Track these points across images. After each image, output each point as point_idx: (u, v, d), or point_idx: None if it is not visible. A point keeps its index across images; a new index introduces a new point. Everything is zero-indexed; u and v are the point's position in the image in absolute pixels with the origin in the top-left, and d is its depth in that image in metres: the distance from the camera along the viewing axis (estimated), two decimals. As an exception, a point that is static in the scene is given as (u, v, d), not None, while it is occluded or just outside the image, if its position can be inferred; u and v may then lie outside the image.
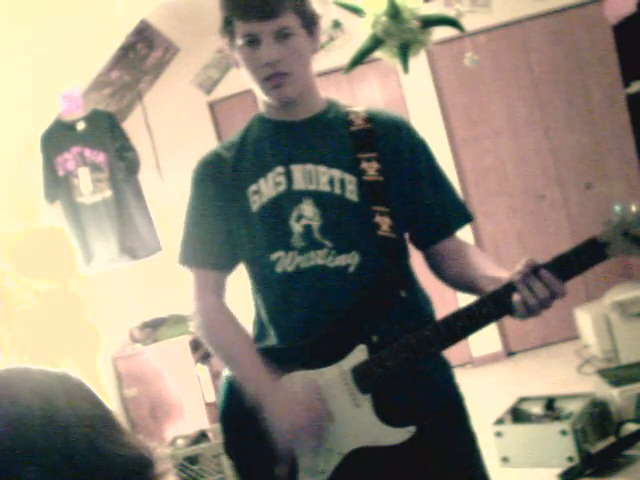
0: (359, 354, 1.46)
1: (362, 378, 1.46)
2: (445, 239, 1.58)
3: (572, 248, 1.35)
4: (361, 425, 1.46)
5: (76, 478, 0.71)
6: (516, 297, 1.36)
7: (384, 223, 1.49)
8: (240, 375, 1.54)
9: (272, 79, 1.48)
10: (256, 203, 1.53)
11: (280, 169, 1.53)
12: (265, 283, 1.56)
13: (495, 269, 1.47)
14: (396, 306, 1.49)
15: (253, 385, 1.50)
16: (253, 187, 1.54)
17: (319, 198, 1.51)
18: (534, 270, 1.34)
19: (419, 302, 1.56)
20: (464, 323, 1.40)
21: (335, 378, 1.47)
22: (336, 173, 1.51)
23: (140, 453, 0.78)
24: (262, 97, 1.55)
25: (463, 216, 1.62)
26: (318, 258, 1.49)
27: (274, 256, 1.52)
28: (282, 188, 1.52)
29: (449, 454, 1.52)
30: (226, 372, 1.64)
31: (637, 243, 1.31)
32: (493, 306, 1.39)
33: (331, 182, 1.51)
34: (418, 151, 1.57)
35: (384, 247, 1.49)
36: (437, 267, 1.59)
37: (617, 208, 1.32)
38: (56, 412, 0.74)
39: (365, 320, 1.47)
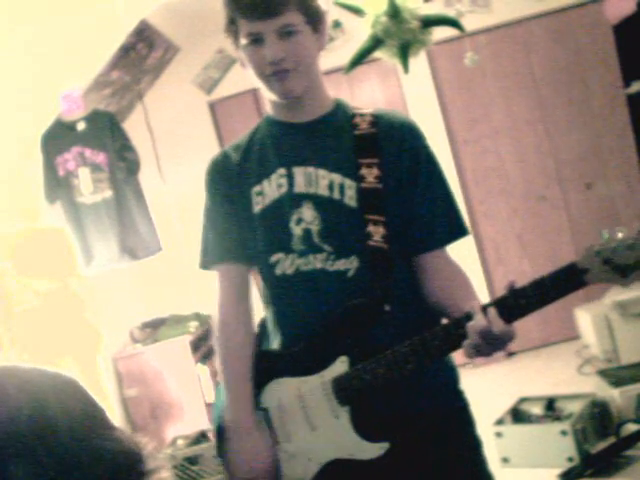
0: (340, 365, 1.45)
1: (341, 390, 1.45)
2: (427, 253, 1.52)
3: (550, 273, 1.30)
4: (339, 437, 1.46)
5: (63, 473, 0.72)
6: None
7: (377, 233, 1.47)
8: (227, 395, 1.55)
9: (276, 74, 1.46)
10: (259, 204, 1.53)
11: (282, 171, 1.52)
12: (265, 284, 1.56)
13: (467, 301, 1.41)
14: (380, 320, 1.46)
15: (232, 414, 1.53)
16: (257, 188, 1.54)
17: (318, 202, 1.49)
18: (500, 302, 1.32)
19: (409, 317, 1.50)
20: (440, 342, 1.38)
21: (316, 387, 1.47)
22: (336, 178, 1.49)
23: (129, 448, 0.78)
24: (268, 96, 1.53)
25: (453, 231, 1.54)
26: (317, 262, 1.48)
27: (274, 258, 1.51)
28: (284, 190, 1.51)
29: (447, 462, 1.49)
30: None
31: (618, 272, 1.27)
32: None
33: (330, 187, 1.49)
34: (419, 157, 1.53)
35: (374, 257, 1.47)
36: (418, 280, 1.53)
37: (604, 234, 1.27)
38: (44, 408, 0.74)
39: (349, 331, 1.46)
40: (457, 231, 1.55)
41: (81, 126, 3.88)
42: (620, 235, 1.27)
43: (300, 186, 1.51)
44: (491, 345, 1.32)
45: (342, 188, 1.49)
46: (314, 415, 1.48)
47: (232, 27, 1.49)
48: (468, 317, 1.34)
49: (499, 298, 1.34)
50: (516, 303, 1.31)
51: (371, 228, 1.47)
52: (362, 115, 1.56)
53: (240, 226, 1.56)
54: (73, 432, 0.74)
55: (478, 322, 1.30)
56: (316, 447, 1.48)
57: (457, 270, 1.54)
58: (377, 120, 1.54)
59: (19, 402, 0.74)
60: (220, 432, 1.59)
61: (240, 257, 1.57)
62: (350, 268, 1.47)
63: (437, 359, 1.43)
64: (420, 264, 1.53)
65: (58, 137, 3.86)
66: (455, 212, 1.56)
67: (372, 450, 1.43)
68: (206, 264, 1.61)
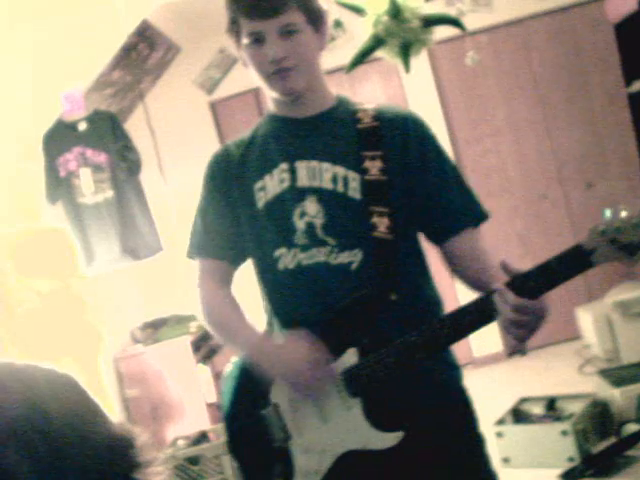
0: (350, 357, 1.45)
1: (352, 381, 1.45)
2: (455, 236, 1.52)
3: (556, 255, 1.29)
4: (352, 428, 1.46)
5: (56, 458, 0.72)
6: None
7: (381, 224, 1.47)
8: (239, 342, 1.54)
9: (278, 73, 1.47)
10: (261, 200, 1.54)
11: (284, 166, 1.53)
12: (268, 280, 1.57)
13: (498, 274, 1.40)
14: (386, 309, 1.47)
15: (252, 347, 1.51)
16: (259, 183, 1.54)
17: (322, 195, 1.50)
18: (510, 284, 1.30)
19: (415, 306, 1.51)
20: (449, 330, 1.38)
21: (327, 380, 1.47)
22: (340, 170, 1.50)
23: (121, 435, 0.79)
24: (270, 94, 1.54)
25: (474, 214, 1.55)
26: (321, 255, 1.48)
27: (277, 253, 1.52)
28: (286, 185, 1.52)
29: (450, 458, 1.50)
30: (228, 370, 1.65)
31: (625, 250, 1.25)
32: (477, 314, 1.36)
33: (334, 179, 1.50)
34: (426, 147, 1.54)
35: (379, 248, 1.47)
36: (449, 264, 1.55)
37: (607, 212, 1.27)
38: (37, 396, 0.75)
39: (357, 323, 1.46)
40: (477, 215, 1.56)
41: (82, 126, 3.88)
42: (623, 214, 1.26)
43: (303, 180, 1.51)
44: (527, 319, 1.29)
45: (346, 181, 1.50)
46: (325, 408, 1.48)
47: (234, 27, 1.50)
48: (482, 301, 1.34)
49: (507, 281, 1.33)
50: (524, 286, 1.30)
51: (376, 219, 1.48)
52: (364, 110, 1.57)
53: (233, 225, 1.57)
54: (65, 418, 0.75)
55: (508, 298, 1.29)
56: (329, 440, 1.48)
57: (485, 246, 1.55)
58: (380, 114, 1.55)
59: (12, 389, 0.75)
60: (228, 420, 1.61)
61: (224, 256, 1.59)
62: (354, 261, 1.48)
63: (446, 347, 1.44)
64: (451, 247, 1.53)
65: (59, 137, 3.86)
66: (472, 197, 1.57)
67: (386, 440, 1.43)
68: (191, 255, 1.64)
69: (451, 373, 1.57)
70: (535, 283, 1.30)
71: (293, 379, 1.45)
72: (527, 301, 1.28)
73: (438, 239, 1.55)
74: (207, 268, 1.60)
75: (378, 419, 1.45)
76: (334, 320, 1.47)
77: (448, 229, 1.53)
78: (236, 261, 1.61)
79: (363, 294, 1.46)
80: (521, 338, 1.32)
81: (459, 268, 1.54)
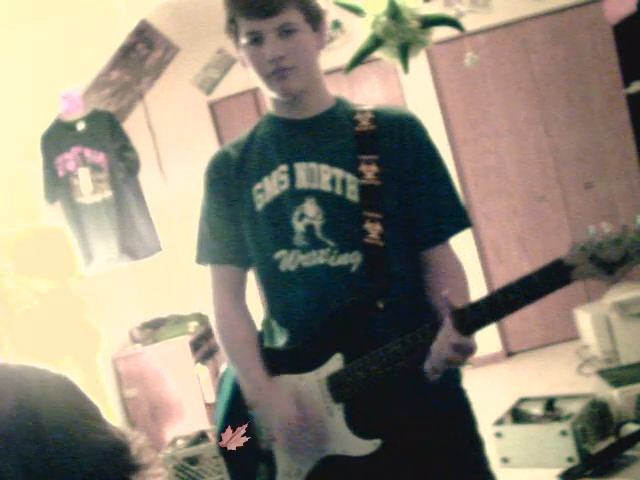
0: (335, 363, 1.46)
1: (335, 387, 1.46)
2: (430, 249, 1.53)
3: (537, 270, 1.29)
4: (333, 433, 1.47)
5: (47, 463, 0.72)
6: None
7: (373, 230, 1.47)
8: (240, 374, 1.56)
9: (276, 73, 1.47)
10: (260, 202, 1.54)
11: (283, 167, 1.53)
12: (269, 282, 1.57)
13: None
14: (373, 317, 1.47)
15: (251, 384, 1.53)
16: (258, 186, 1.54)
17: (321, 197, 1.50)
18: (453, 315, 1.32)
19: (404, 314, 1.50)
20: (431, 340, 1.37)
21: (312, 385, 1.48)
22: (338, 173, 1.50)
23: (115, 439, 0.79)
24: (269, 94, 1.54)
25: (457, 222, 1.56)
26: (320, 257, 1.48)
27: (277, 255, 1.52)
28: (285, 187, 1.52)
29: (447, 460, 1.49)
30: (223, 370, 1.66)
31: (604, 267, 1.26)
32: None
33: (332, 182, 1.50)
34: (421, 151, 1.54)
35: (371, 254, 1.47)
36: (421, 276, 1.55)
37: (590, 230, 1.27)
38: (29, 398, 0.75)
39: (344, 329, 1.47)
40: (462, 222, 1.56)
41: (81, 126, 3.88)
42: (607, 231, 1.27)
43: (302, 182, 1.51)
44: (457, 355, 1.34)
45: (344, 183, 1.50)
46: (310, 412, 1.48)
47: (232, 26, 1.50)
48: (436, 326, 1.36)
49: (487, 296, 1.34)
50: (505, 299, 1.31)
51: (368, 225, 1.48)
52: (362, 112, 1.56)
53: (237, 228, 1.57)
54: (58, 421, 0.74)
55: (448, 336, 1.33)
56: (312, 443, 1.48)
57: (456, 270, 1.55)
58: (377, 117, 1.55)
59: (3, 394, 0.74)
60: (221, 419, 1.62)
61: (234, 260, 1.59)
62: (353, 263, 1.48)
63: (428, 357, 1.43)
64: (423, 259, 1.53)
65: (58, 137, 3.85)
66: (458, 204, 1.57)
67: (364, 447, 1.44)
68: (201, 261, 1.64)
69: (450, 373, 1.55)
70: (515, 296, 1.30)
71: (280, 435, 1.49)
72: (465, 339, 1.32)
73: (414, 248, 1.54)
74: (221, 276, 1.60)
75: (359, 426, 1.45)
76: (323, 325, 1.48)
77: (423, 242, 1.53)
78: (247, 264, 1.60)
79: (351, 301, 1.47)
80: (437, 370, 1.36)
81: (427, 282, 1.53)
